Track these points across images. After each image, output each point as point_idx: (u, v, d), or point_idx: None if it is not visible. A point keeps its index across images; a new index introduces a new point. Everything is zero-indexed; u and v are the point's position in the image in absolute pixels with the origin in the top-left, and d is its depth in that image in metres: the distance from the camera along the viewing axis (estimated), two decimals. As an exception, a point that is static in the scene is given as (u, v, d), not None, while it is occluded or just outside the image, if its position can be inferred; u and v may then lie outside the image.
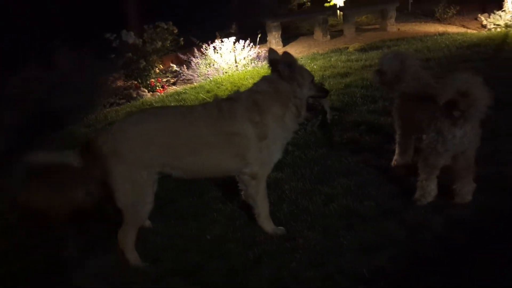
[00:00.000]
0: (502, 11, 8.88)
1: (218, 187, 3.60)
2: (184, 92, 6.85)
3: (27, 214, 3.55)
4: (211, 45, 7.79)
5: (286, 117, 2.89)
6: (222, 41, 7.75)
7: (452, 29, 9.28)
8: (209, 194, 3.57)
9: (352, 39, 9.29)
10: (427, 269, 2.53)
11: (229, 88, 6.57)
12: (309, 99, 2.98)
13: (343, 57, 7.44)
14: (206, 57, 7.82)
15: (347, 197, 3.26)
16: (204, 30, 8.24)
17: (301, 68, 2.97)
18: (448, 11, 10.25)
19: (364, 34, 9.64)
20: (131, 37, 7.17)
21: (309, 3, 11.78)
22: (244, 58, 7.80)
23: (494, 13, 9.02)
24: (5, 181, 3.26)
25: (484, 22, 9.13)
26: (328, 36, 9.61)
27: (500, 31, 8.31)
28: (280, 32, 9.37)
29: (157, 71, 7.62)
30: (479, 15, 9.53)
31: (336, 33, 9.99)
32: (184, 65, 7.85)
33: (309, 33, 10.31)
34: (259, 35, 8.37)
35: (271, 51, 3.08)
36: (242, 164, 2.87)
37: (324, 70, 6.76)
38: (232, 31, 8.13)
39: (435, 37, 8.19)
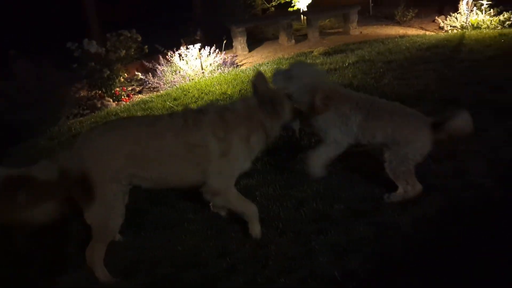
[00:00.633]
0: (458, 13, 9.25)
1: (189, 196, 3.57)
2: (150, 101, 6.75)
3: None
4: (177, 52, 7.73)
5: (252, 139, 2.91)
6: (187, 48, 7.71)
7: (412, 31, 9.58)
8: (180, 203, 3.53)
9: (316, 43, 9.43)
10: (397, 269, 2.59)
11: (196, 95, 6.53)
12: None
13: (309, 61, 7.53)
14: (172, 64, 7.76)
15: (317, 200, 3.30)
16: (168, 37, 8.18)
17: (284, 105, 2.99)
18: (407, 13, 10.57)
19: (328, 38, 9.81)
20: (93, 46, 7.02)
21: (273, 8, 11.88)
22: (211, 65, 7.78)
23: (451, 15, 9.38)
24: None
25: (442, 24, 9.48)
26: (293, 41, 9.72)
27: (457, 33, 8.64)
28: (245, 38, 9.40)
29: (122, 80, 7.49)
30: (437, 17, 9.89)
31: (301, 38, 10.12)
32: (150, 73, 7.76)
33: (274, 38, 10.39)
34: (224, 41, 8.38)
35: (259, 76, 3.06)
36: (203, 178, 2.86)
37: (290, 75, 6.82)
38: (197, 37, 8.10)
39: (396, 39, 8.42)
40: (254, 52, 9.42)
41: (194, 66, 7.65)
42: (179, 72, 7.66)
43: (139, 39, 7.50)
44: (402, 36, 8.77)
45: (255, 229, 2.97)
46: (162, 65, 7.73)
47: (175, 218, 3.35)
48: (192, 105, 6.10)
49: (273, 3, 11.81)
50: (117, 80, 7.29)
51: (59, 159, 2.63)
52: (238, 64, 8.39)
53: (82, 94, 7.18)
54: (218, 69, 7.79)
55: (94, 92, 7.16)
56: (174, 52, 7.76)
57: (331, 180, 3.55)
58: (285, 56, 8.40)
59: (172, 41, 8.04)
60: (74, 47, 7.01)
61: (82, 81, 7.18)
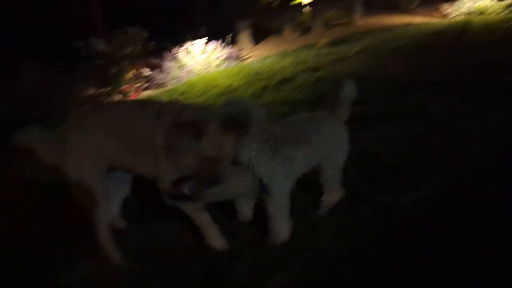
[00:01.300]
0: (462, 0, 9.19)
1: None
2: (158, 96, 6.84)
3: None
4: (182, 48, 7.79)
5: None
6: (193, 43, 7.77)
7: (417, 19, 9.54)
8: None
9: (320, 35, 9.44)
10: (402, 248, 2.64)
11: (202, 89, 6.60)
12: None
13: (313, 52, 7.57)
14: (178, 60, 7.82)
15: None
16: (174, 33, 8.23)
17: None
18: (412, 2, 10.53)
19: (332, 30, 9.82)
20: (100, 44, 7.10)
21: (278, 1, 11.87)
22: (216, 59, 7.83)
23: (454, 2, 9.32)
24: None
25: (446, 11, 9.42)
26: (297, 34, 9.74)
27: (462, 19, 8.59)
28: (250, 32, 9.44)
29: (129, 76, 7.57)
30: (441, 5, 9.82)
31: (305, 30, 10.14)
32: (156, 69, 7.83)
33: (279, 32, 10.41)
34: (229, 36, 8.42)
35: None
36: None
37: (296, 66, 6.87)
38: (203, 32, 8.14)
39: (401, 27, 8.41)
40: (259, 46, 9.46)
41: (199, 61, 7.71)
42: (185, 67, 7.72)
43: (145, 35, 7.57)
44: (407, 24, 8.76)
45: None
46: (168, 61, 7.79)
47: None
48: (199, 99, 6.17)
49: (277, -3, 11.80)
50: (124, 77, 7.36)
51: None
52: (244, 57, 8.44)
53: (90, 92, 7.28)
54: (223, 63, 7.84)
55: (102, 89, 7.25)
56: (179, 48, 7.82)
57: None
58: (290, 49, 8.43)
59: (178, 37, 8.10)
60: (81, 46, 7.09)
61: (90, 79, 7.27)
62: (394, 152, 3.61)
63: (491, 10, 8.63)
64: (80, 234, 3.16)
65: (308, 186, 3.37)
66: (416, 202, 3.00)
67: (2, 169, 4.68)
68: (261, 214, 2.98)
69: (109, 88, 7.23)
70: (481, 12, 8.71)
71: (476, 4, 8.87)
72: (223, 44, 8.05)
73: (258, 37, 10.00)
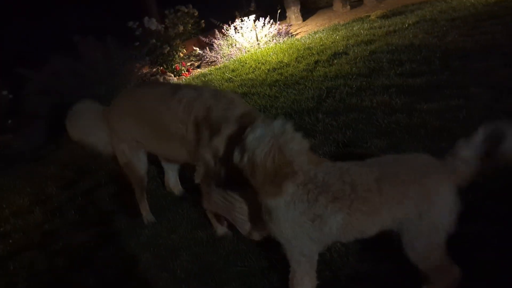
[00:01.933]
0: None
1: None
2: (209, 74, 6.93)
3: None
4: (232, 25, 7.81)
5: None
6: (242, 20, 7.76)
7: (477, -13, 8.97)
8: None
9: (373, 7, 9.12)
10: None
11: (253, 66, 6.61)
12: None
13: (366, 25, 7.34)
14: (228, 37, 7.86)
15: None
16: (223, 10, 8.26)
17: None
18: (472, -30, 9.89)
19: (386, 1, 9.44)
20: (153, 24, 7.28)
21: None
22: (265, 36, 7.80)
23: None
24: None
25: (511, -22, 8.77)
26: (348, 7, 9.47)
27: (528, -15, 7.97)
28: (299, 7, 9.29)
29: (181, 55, 7.72)
30: (505, -29, 9.16)
31: (356, 3, 9.83)
32: (207, 48, 7.92)
33: (328, 6, 10.18)
34: (278, 11, 8.33)
35: None
36: (190, 158, 2.76)
37: (348, 40, 6.70)
38: (251, 9, 8.12)
39: (460, -3, 7.94)
40: (308, 21, 9.30)
41: (249, 38, 7.71)
42: (235, 45, 7.75)
43: (196, 14, 7.66)
44: (466, -7, 8.25)
45: (215, 228, 2.88)
46: (218, 39, 7.85)
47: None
48: (250, 75, 6.19)
49: (326, -30, 11.49)
50: (176, 56, 7.53)
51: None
52: (293, 33, 8.34)
53: (144, 71, 7.49)
54: (273, 39, 7.80)
55: (156, 68, 7.44)
56: (229, 26, 7.85)
57: (394, 137, 3.49)
58: (341, 23, 8.22)
59: (227, 14, 8.13)
60: (135, 26, 7.29)
61: (144, 59, 7.48)
62: (457, 123, 3.45)
63: (562, -26, 7.94)
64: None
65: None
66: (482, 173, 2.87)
67: (68, 144, 4.97)
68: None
69: (162, 67, 7.41)
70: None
71: (545, -32, 8.19)
72: (272, 20, 7.99)
73: (307, 13, 9.83)
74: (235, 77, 6.35)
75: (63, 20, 8.46)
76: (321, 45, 6.76)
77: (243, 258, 2.61)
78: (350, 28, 7.50)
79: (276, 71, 6.07)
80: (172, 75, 7.29)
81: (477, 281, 2.04)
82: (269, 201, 1.92)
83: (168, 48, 7.29)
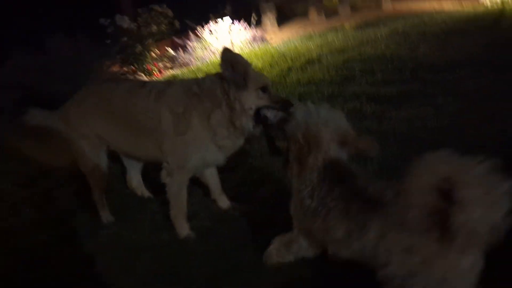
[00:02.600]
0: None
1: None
2: (181, 75, 6.82)
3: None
4: (207, 28, 7.74)
5: (212, 119, 2.54)
6: (216, 23, 7.70)
7: (448, 5, 9.21)
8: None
9: (347, 18, 9.24)
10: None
11: (227, 69, 6.54)
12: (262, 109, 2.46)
13: (340, 35, 7.41)
14: (202, 40, 7.78)
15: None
16: (198, 12, 8.16)
17: (249, 71, 2.50)
18: (443, -12, 10.20)
19: (360, 13, 9.59)
20: (125, 22, 7.12)
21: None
22: (241, 40, 7.76)
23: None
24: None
25: (480, -2, 9.08)
26: (323, 16, 9.57)
27: (497, 7, 8.26)
28: (275, 13, 9.31)
29: (154, 55, 7.57)
30: (474, -10, 9.48)
31: (331, 13, 9.93)
32: (180, 49, 7.81)
33: (304, 14, 10.24)
34: (254, 16, 8.31)
35: (226, 50, 2.56)
36: (160, 155, 2.69)
37: (321, 48, 6.74)
38: (227, 12, 8.07)
39: (432, 13, 8.15)
40: (283, 28, 9.34)
41: (224, 42, 7.65)
42: (209, 47, 7.68)
43: (170, 14, 7.54)
44: (438, 11, 8.48)
45: (178, 229, 2.76)
46: (192, 41, 7.76)
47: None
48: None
49: (303, -20, 11.60)
50: (148, 56, 7.37)
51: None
52: (268, 39, 8.33)
53: (115, 70, 7.30)
54: (248, 44, 7.76)
55: (126, 67, 7.27)
56: (203, 28, 7.77)
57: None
58: (316, 31, 8.28)
59: (202, 16, 8.04)
60: (107, 23, 7.11)
61: (115, 57, 7.30)
62: (426, 131, 3.49)
63: (527, -3, 8.27)
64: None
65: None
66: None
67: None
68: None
69: (133, 67, 7.25)
70: (517, -1, 8.35)
71: (512, -10, 8.52)
72: (247, 25, 7.96)
73: (282, 20, 9.85)
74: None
75: (34, 15, 8.17)
76: (295, 52, 6.77)
77: (207, 260, 2.52)
78: (325, 37, 7.55)
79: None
80: (143, 75, 7.14)
81: None
82: None
83: (140, 47, 7.15)
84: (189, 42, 7.76)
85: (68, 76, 6.26)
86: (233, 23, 7.76)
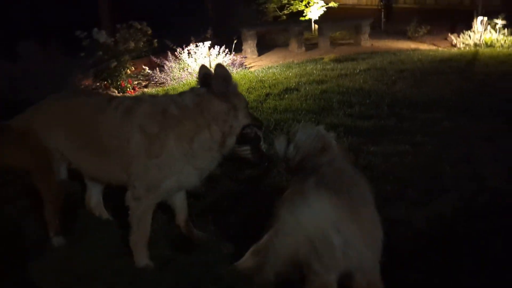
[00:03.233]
0: (471, 31, 9.16)
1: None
2: (156, 94, 6.62)
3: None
4: (186, 49, 7.62)
5: (196, 142, 2.35)
6: (197, 46, 7.61)
7: (424, 46, 9.49)
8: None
9: (326, 51, 9.34)
10: (409, 264, 2.43)
11: (203, 91, 6.40)
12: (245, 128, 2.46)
13: (319, 66, 7.44)
14: (180, 61, 7.64)
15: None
16: (178, 33, 8.07)
17: (236, 88, 2.47)
18: (419, 30, 10.51)
19: (339, 48, 9.74)
20: (102, 36, 6.90)
21: (284, 17, 11.84)
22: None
23: (464, 33, 9.29)
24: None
25: (454, 41, 9.38)
26: (303, 48, 9.65)
27: (470, 49, 8.54)
28: (255, 41, 9.32)
29: (129, 72, 7.36)
30: (449, 35, 9.79)
31: (311, 46, 10.04)
32: (157, 68, 7.64)
33: (284, 45, 10.31)
34: (234, 42, 8.28)
35: (202, 67, 2.57)
36: (125, 178, 2.45)
37: (300, 77, 6.72)
38: (208, 35, 8.00)
39: (408, 52, 8.34)
40: (263, 56, 9.33)
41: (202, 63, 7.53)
42: (187, 69, 7.54)
43: (149, 32, 7.40)
44: (414, 50, 8.69)
45: (136, 257, 2.49)
46: (170, 61, 7.61)
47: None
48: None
49: (285, 12, 11.77)
50: (123, 72, 7.16)
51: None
52: (247, 66, 8.28)
53: (87, 83, 7.04)
54: (227, 68, 7.66)
55: (99, 82, 7.03)
56: (183, 49, 7.65)
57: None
58: (295, 61, 8.30)
59: (182, 38, 7.93)
60: (83, 36, 6.89)
61: (88, 70, 7.04)
62: (403, 167, 3.41)
63: (499, 43, 8.59)
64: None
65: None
66: (425, 219, 2.80)
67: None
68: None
69: (106, 82, 7.02)
70: (489, 45, 8.66)
71: (484, 37, 8.84)
72: (228, 50, 7.90)
73: (263, 49, 9.87)
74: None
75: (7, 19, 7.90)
76: (274, 79, 6.72)
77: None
78: (304, 67, 7.56)
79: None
80: (116, 91, 6.89)
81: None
82: None
83: (116, 63, 6.92)
84: (166, 62, 7.60)
85: (37, 85, 5.98)
86: (213, 47, 7.68)
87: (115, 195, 2.94)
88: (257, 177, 3.50)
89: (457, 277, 2.30)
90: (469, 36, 9.09)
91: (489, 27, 8.96)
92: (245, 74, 7.27)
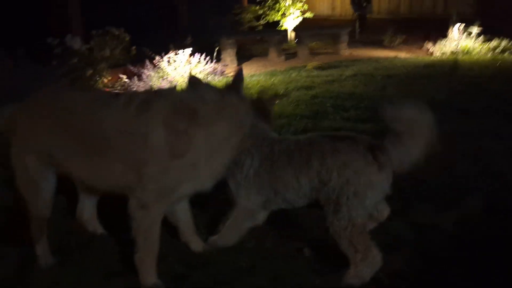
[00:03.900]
0: (448, 39, 9.28)
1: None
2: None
3: None
4: (165, 57, 7.31)
5: (224, 143, 2.14)
6: (176, 53, 7.31)
7: (402, 54, 9.54)
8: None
9: (306, 60, 9.21)
10: (443, 269, 2.23)
11: (187, 99, 6.11)
12: None
13: (303, 74, 7.29)
14: (159, 69, 7.31)
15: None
16: (155, 41, 7.75)
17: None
18: (395, 39, 10.61)
19: (318, 57, 9.64)
20: (77, 43, 6.50)
21: (261, 27, 11.71)
22: (200, 72, 7.39)
23: (440, 41, 9.41)
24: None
25: (431, 49, 9.47)
26: (283, 57, 9.50)
27: (449, 57, 8.62)
28: (235, 50, 9.11)
29: (105, 81, 6.97)
30: (426, 43, 9.90)
31: (290, 55, 9.91)
32: (135, 77, 7.27)
33: (263, 55, 10.14)
34: (216, 49, 8.04)
35: (192, 78, 2.27)
36: (134, 182, 2.09)
37: (287, 84, 6.53)
38: (187, 43, 7.72)
39: (390, 59, 8.33)
40: (243, 65, 9.09)
41: (183, 72, 7.23)
42: (167, 77, 7.21)
43: (127, 39, 7.05)
44: (395, 57, 8.70)
45: (143, 275, 2.16)
46: (149, 69, 7.27)
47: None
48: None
49: (261, 22, 11.65)
50: (99, 81, 6.76)
51: None
52: (228, 74, 8.04)
53: (60, 93, 6.60)
54: (207, 77, 7.40)
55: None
56: (162, 57, 7.33)
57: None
58: (277, 70, 8.12)
59: (161, 45, 7.62)
60: (55, 43, 6.47)
61: (60, 79, 6.60)
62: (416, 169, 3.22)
63: (475, 51, 8.71)
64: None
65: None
66: (453, 222, 2.60)
67: None
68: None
69: (82, 91, 6.59)
70: (466, 52, 8.78)
71: (461, 45, 8.97)
72: (208, 58, 7.64)
73: (241, 58, 9.67)
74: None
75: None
76: (260, 86, 6.49)
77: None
78: (288, 74, 7.39)
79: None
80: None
81: None
82: None
83: (91, 71, 6.53)
84: (145, 71, 7.25)
85: (3, 95, 5.51)
86: (193, 55, 7.41)
87: (109, 208, 2.62)
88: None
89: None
90: (446, 44, 9.21)
91: (464, 35, 9.11)
92: (226, 82, 7.01)
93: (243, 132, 2.21)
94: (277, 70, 8.09)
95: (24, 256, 2.46)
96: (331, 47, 10.38)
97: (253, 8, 11.52)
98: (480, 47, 8.74)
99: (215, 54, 7.90)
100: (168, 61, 7.27)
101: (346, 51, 9.91)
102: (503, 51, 8.35)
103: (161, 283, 2.14)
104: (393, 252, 2.33)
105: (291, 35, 11.35)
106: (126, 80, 7.32)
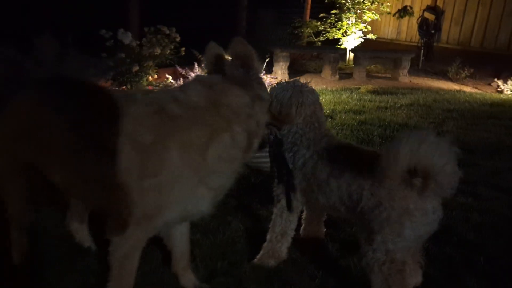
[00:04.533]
0: (520, 78, 8.46)
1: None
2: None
3: None
4: (214, 62, 7.11)
5: (212, 151, 1.71)
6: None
7: (467, 89, 8.81)
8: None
9: (361, 82, 8.73)
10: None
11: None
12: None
13: (355, 96, 6.82)
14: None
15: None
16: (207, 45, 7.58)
17: (260, 73, 1.88)
18: (462, 72, 9.85)
19: (375, 80, 9.12)
20: (127, 38, 6.45)
21: (319, 43, 11.33)
22: (247, 82, 7.12)
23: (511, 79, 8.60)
24: None
25: (501, 87, 8.67)
26: (337, 76, 9.07)
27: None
28: (288, 64, 8.80)
29: (151, 79, 6.87)
30: (496, 80, 9.10)
31: (345, 75, 9.47)
32: (181, 79, 7.13)
33: (316, 72, 9.78)
34: (267, 60, 7.75)
35: (212, 46, 1.93)
36: (108, 202, 1.79)
37: (335, 105, 6.10)
38: (239, 50, 7.49)
39: (453, 92, 7.67)
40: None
41: (229, 80, 7.00)
42: (213, 83, 7.01)
43: (178, 39, 6.93)
44: (457, 91, 8.01)
45: None
46: (197, 73, 7.09)
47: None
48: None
49: (320, 38, 11.27)
50: (145, 79, 6.66)
51: None
52: (276, 88, 7.72)
53: (104, 85, 6.55)
54: (254, 88, 7.12)
55: (117, 85, 6.53)
56: (211, 62, 7.14)
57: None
58: (328, 88, 7.70)
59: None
60: (108, 36, 6.45)
61: (106, 72, 6.56)
62: (468, 223, 2.72)
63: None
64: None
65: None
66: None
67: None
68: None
69: (125, 86, 6.52)
70: (541, 94, 7.93)
71: (535, 85, 8.13)
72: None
73: (293, 73, 9.33)
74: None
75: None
76: (306, 104, 6.10)
77: None
78: (338, 95, 6.95)
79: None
80: (134, 98, 6.39)
81: None
82: None
83: (138, 67, 6.44)
84: (192, 74, 7.09)
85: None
86: (243, 63, 7.16)
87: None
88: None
89: None
90: (518, 83, 8.39)
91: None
92: (274, 95, 6.69)
93: (256, 138, 1.81)
94: (328, 89, 7.68)
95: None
96: (391, 72, 9.82)
97: (314, 23, 11.17)
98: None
99: (264, 65, 7.60)
100: (217, 67, 7.06)
101: (405, 78, 9.31)
102: None
103: None
104: None
105: (349, 55, 10.88)
106: (172, 81, 7.21)
